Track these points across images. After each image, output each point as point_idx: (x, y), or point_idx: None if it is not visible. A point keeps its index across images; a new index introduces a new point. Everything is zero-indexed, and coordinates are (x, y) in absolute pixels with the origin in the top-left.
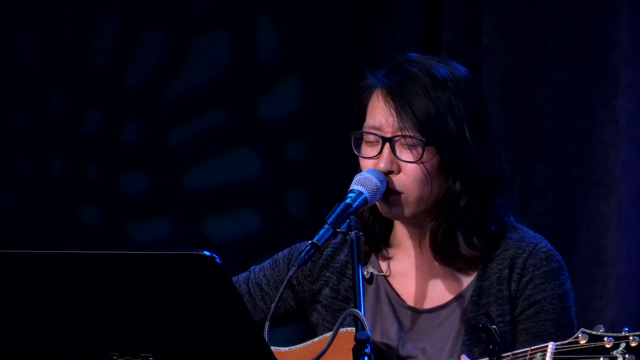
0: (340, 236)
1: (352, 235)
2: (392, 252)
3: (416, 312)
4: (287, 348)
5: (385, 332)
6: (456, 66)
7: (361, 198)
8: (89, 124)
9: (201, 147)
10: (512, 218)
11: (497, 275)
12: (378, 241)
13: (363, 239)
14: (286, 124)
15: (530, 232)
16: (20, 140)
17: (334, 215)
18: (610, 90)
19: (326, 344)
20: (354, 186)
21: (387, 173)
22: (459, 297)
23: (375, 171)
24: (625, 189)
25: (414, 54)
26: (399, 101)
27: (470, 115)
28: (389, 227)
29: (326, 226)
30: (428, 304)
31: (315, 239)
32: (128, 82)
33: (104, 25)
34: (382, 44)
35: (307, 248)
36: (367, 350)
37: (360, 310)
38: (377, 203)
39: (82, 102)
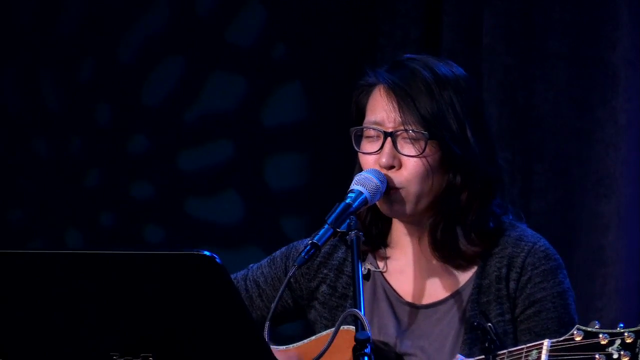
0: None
1: (352, 235)
2: (389, 251)
3: (414, 307)
4: (285, 347)
5: (383, 328)
6: (455, 66)
7: (361, 198)
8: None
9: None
10: (510, 217)
11: (496, 274)
12: (376, 241)
13: (363, 238)
14: (286, 124)
15: (529, 231)
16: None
17: (334, 215)
18: (610, 90)
19: (326, 344)
20: (354, 186)
21: (388, 168)
22: (456, 294)
23: (375, 171)
24: (625, 189)
25: (413, 54)
26: (402, 96)
27: (470, 114)
28: (387, 228)
29: (326, 226)
30: (425, 300)
31: (315, 238)
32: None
33: None
34: (382, 44)
35: (307, 248)
36: (367, 350)
37: (360, 310)
38: (376, 203)
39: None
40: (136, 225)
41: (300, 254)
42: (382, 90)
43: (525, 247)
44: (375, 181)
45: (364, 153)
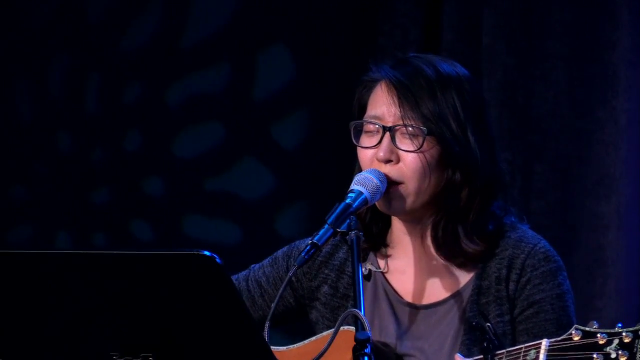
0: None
1: (352, 235)
2: (390, 250)
3: (414, 308)
4: (285, 347)
5: (384, 329)
6: (460, 67)
7: (361, 198)
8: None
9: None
10: (513, 219)
11: (495, 275)
12: (376, 240)
13: (363, 238)
14: (285, 123)
15: (530, 233)
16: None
17: (334, 215)
18: (610, 90)
19: (326, 344)
20: (354, 186)
21: (386, 162)
22: (456, 295)
23: (375, 171)
24: (625, 189)
25: (418, 53)
26: (403, 92)
27: (471, 114)
28: (387, 227)
29: (326, 226)
30: (425, 300)
31: (316, 238)
32: None
33: None
34: (382, 44)
35: (307, 248)
36: (367, 350)
37: (361, 310)
38: (375, 202)
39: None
40: None
41: (300, 253)
42: (384, 85)
43: (526, 249)
44: (375, 181)
45: (362, 147)
